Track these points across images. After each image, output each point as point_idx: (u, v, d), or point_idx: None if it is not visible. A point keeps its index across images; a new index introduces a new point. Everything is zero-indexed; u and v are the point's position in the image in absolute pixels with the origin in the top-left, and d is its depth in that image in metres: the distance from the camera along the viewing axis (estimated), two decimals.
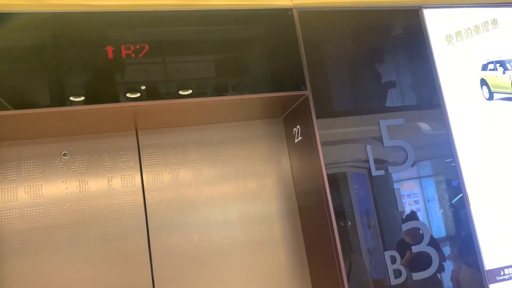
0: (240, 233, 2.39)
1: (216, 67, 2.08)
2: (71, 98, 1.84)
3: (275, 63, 2.14)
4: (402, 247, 2.10)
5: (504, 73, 2.45)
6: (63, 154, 2.22)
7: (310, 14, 2.22)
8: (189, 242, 2.30)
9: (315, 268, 2.36)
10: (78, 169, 2.23)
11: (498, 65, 2.45)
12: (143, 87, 1.92)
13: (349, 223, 2.07)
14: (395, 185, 2.16)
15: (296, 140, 2.33)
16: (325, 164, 2.06)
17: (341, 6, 2.28)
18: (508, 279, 2.21)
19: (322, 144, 2.07)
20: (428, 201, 2.21)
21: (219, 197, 2.41)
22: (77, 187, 2.20)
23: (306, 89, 2.12)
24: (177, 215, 2.31)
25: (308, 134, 2.15)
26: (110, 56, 1.88)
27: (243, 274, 2.35)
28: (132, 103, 1.91)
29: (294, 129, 2.34)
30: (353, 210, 2.10)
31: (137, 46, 1.92)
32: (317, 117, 2.10)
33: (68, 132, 2.19)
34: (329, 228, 2.04)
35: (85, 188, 2.21)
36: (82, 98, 1.84)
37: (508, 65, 2.47)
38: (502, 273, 2.21)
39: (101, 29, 1.92)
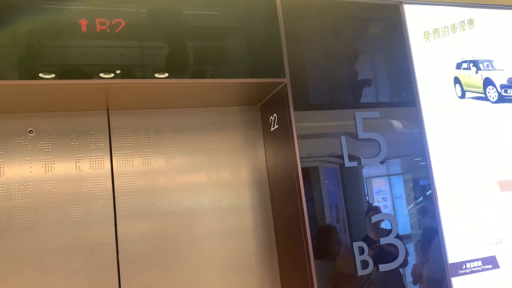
0: (211, 220, 2.36)
1: (194, 51, 2.02)
2: (40, 74, 1.73)
3: (255, 49, 2.10)
4: (369, 240, 2.13)
5: (476, 72, 2.52)
6: (29, 131, 2.11)
7: (293, 2, 2.19)
8: (158, 228, 2.25)
9: (284, 257, 2.37)
10: (44, 147, 2.12)
11: (471, 64, 2.51)
12: (116, 67, 1.84)
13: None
14: (366, 179, 2.18)
15: (272, 128, 2.31)
16: (300, 156, 2.05)
17: None
18: (470, 273, 2.28)
19: (297, 137, 2.06)
20: (396, 198, 2.24)
21: (191, 184, 2.36)
22: (42, 166, 2.10)
23: (285, 76, 2.10)
24: (146, 201, 2.25)
25: (285, 123, 2.14)
26: (84, 29, 1.79)
27: (212, 260, 2.32)
28: (105, 81, 1.82)
29: (271, 117, 2.32)
30: (324, 202, 2.10)
31: (113, 22, 1.84)
32: (294, 110, 2.08)
33: (34, 108, 2.08)
34: (300, 219, 2.04)
35: (51, 168, 2.11)
36: (52, 75, 1.74)
37: (481, 65, 2.53)
38: (464, 267, 2.28)
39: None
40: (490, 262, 2.33)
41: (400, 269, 2.15)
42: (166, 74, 1.92)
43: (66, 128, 2.16)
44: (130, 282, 2.16)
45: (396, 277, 2.15)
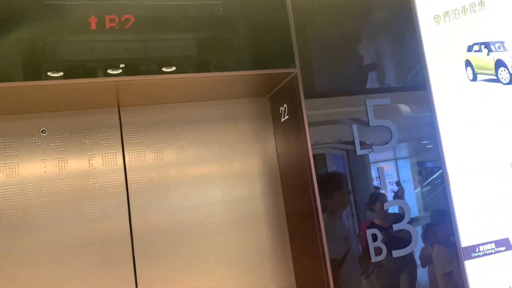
0: (223, 212, 2.37)
1: (202, 43, 1.99)
2: (49, 73, 1.72)
3: (264, 40, 2.07)
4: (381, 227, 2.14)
5: (488, 54, 2.48)
6: (41, 131, 2.12)
7: None
8: (172, 221, 2.27)
9: (297, 246, 2.38)
10: (57, 146, 2.13)
11: (483, 46, 2.47)
12: (123, 64, 1.83)
13: None
14: (378, 165, 2.17)
15: (283, 119, 2.30)
16: (312, 147, 2.04)
17: None
18: (483, 255, 2.29)
19: (308, 124, 2.05)
20: (407, 182, 2.23)
21: (203, 176, 2.37)
22: (55, 165, 2.11)
23: (295, 66, 2.07)
24: (159, 195, 2.27)
25: (295, 113, 2.12)
26: (93, 27, 1.77)
27: (225, 252, 2.35)
28: (114, 78, 1.81)
29: (281, 107, 2.30)
30: (336, 190, 2.10)
31: (122, 19, 1.82)
32: (305, 98, 2.06)
33: (46, 108, 2.08)
34: (313, 208, 2.04)
35: (65, 167, 2.13)
36: (61, 73, 1.73)
37: (492, 47, 2.49)
38: (477, 250, 2.28)
39: None
40: (504, 244, 2.34)
41: (413, 255, 2.16)
42: (174, 68, 1.90)
43: (78, 126, 2.17)
44: (146, 276, 2.19)
45: (408, 262, 2.16)
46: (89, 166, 2.17)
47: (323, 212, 2.02)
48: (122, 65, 1.82)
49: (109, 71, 1.80)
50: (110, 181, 2.19)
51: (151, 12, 1.90)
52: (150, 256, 2.21)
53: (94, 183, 2.16)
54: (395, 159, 2.24)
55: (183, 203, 2.31)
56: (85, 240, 2.12)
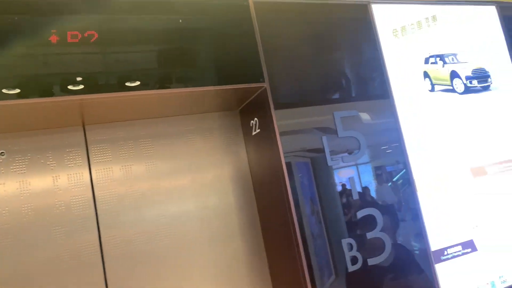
0: (197, 226, 2.32)
1: (168, 58, 1.97)
2: (3, 90, 1.62)
3: (231, 55, 2.08)
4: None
5: (443, 66, 2.62)
6: (0, 154, 2.00)
7: (265, 6, 2.19)
8: (144, 239, 2.20)
9: (273, 258, 2.37)
10: (18, 169, 2.01)
11: (438, 58, 2.61)
12: (85, 79, 1.76)
13: None
14: (343, 173, 2.21)
15: (254, 133, 2.31)
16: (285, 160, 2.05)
17: None
18: (451, 258, 2.36)
19: (281, 138, 2.07)
20: (376, 191, 2.28)
21: (175, 192, 2.32)
22: (17, 188, 1.99)
23: (264, 81, 2.10)
24: (130, 212, 2.19)
25: (267, 126, 2.14)
26: (54, 42, 1.71)
27: (200, 268, 2.30)
28: (74, 97, 1.73)
29: (252, 121, 2.31)
30: (304, 197, 2.11)
31: (85, 34, 1.77)
32: (275, 109, 2.09)
33: (5, 128, 1.97)
34: (288, 218, 2.04)
35: (27, 190, 2.01)
36: (17, 90, 1.64)
37: (446, 59, 2.64)
38: (445, 253, 2.36)
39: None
40: (469, 246, 2.42)
41: (386, 262, 2.19)
42: (138, 83, 1.85)
43: (40, 147, 2.06)
44: None
45: (382, 270, 2.19)
46: (54, 188, 2.06)
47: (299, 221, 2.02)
48: (80, 80, 1.74)
49: (70, 87, 1.73)
50: (77, 202, 2.09)
51: (114, 27, 1.86)
52: (123, 276, 2.12)
53: (60, 206, 2.05)
54: (357, 165, 2.28)
55: (156, 219, 2.24)
56: (56, 264, 2.00)
